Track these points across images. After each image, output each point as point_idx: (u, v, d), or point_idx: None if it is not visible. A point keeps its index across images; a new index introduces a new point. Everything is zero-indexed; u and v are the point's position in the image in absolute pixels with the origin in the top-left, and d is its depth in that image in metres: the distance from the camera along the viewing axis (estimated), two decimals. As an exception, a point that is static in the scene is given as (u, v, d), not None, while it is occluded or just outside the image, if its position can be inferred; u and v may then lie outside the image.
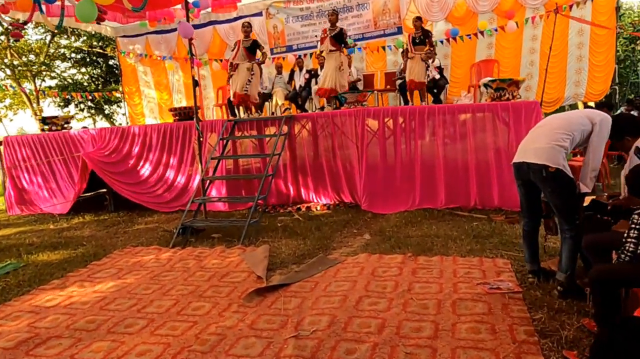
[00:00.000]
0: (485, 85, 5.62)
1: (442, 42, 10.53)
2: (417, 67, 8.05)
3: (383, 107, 5.86)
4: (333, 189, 6.38)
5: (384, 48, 10.95)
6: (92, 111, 17.14)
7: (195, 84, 6.04)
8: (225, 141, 6.33)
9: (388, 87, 10.33)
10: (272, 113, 10.36)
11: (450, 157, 5.74)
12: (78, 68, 16.55)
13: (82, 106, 16.81)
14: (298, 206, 6.36)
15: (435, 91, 9.75)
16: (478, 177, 5.65)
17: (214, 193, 6.74)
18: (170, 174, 6.89)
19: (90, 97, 14.75)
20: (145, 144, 6.97)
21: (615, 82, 9.77)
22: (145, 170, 6.95)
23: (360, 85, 10.65)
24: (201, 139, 6.06)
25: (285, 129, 6.22)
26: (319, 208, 6.21)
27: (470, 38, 10.31)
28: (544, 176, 2.96)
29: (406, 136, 5.84)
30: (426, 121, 5.75)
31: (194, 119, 6.04)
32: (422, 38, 7.57)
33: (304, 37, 11.49)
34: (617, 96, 10.58)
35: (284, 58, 11.60)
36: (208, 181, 6.03)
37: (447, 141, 5.72)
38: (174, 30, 12.24)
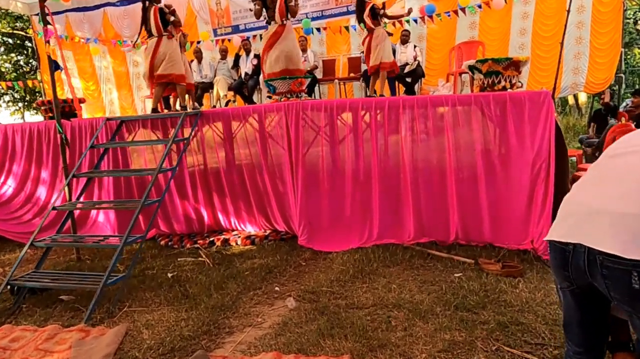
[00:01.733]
0: (472, 68, 3.88)
1: (415, 21, 8.79)
2: (385, 45, 6.32)
3: (328, 100, 4.07)
4: (261, 214, 4.60)
5: (347, 28, 9.15)
6: (19, 104, 14.90)
7: (55, 66, 4.16)
8: (103, 150, 4.46)
9: (352, 75, 8.57)
10: (214, 106, 8.50)
11: (423, 172, 4.00)
12: (-1, 54, 14.31)
13: (6, 97, 14.58)
14: (212, 238, 4.55)
15: (409, 80, 8.04)
16: (461, 201, 3.94)
17: (101, 219, 4.89)
18: (40, 192, 5.00)
19: (12, 87, 12.56)
20: (6, 150, 5.06)
21: (622, 70, 8.20)
22: (7, 187, 5.04)
23: (319, 73, 8.87)
24: (66, 145, 4.19)
25: (183, 131, 4.40)
26: (239, 242, 4.41)
27: (449, 16, 8.59)
28: (635, 289, 1.24)
29: (362, 140, 4.07)
30: (391, 119, 3.99)
31: (55, 117, 4.16)
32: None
33: (252, 15, 9.60)
34: (623, 86, 9.01)
35: (229, 40, 9.71)
36: (70, 211, 4.14)
37: (419, 148, 3.97)
38: (100, 6, 10.26)
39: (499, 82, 3.68)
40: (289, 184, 4.29)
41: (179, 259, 4.17)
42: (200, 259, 4.12)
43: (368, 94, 7.23)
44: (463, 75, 7.87)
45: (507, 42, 8.40)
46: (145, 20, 5.23)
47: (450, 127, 3.82)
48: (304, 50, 8.67)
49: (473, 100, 3.70)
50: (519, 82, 3.74)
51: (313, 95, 8.58)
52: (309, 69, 8.44)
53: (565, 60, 8.19)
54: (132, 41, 10.11)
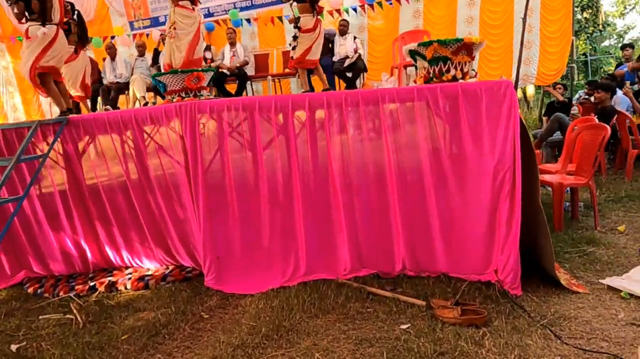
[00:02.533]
0: (414, 54, 3.05)
1: (355, 9, 7.99)
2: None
3: (231, 99, 3.12)
4: (159, 246, 3.60)
5: (280, 19, 8.24)
6: None
7: None
8: None
9: (287, 70, 7.65)
10: (130, 110, 7.34)
11: (359, 188, 3.13)
12: None
13: None
14: (96, 282, 3.51)
15: (350, 75, 7.22)
16: (407, 222, 3.10)
17: None
18: None
19: None
20: None
21: (573, 59, 7.72)
22: None
23: (250, 70, 7.90)
24: None
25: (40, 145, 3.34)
26: (129, 287, 3.39)
27: (391, 4, 7.86)
28: None
29: (278, 150, 3.15)
30: (314, 122, 3.10)
31: None
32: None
33: (173, 5, 8.53)
34: (576, 76, 8.56)
35: (147, 35, 8.58)
36: None
37: (351, 158, 3.10)
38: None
39: (448, 70, 2.86)
40: (189, 208, 3.32)
41: (40, 318, 3.11)
42: (69, 316, 3.08)
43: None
44: (409, 68, 7.13)
45: (454, 31, 7.75)
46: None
47: (388, 130, 2.97)
48: (233, 44, 7.69)
49: (416, 94, 2.86)
50: (472, 70, 2.94)
51: (245, 94, 7.61)
52: (238, 64, 7.48)
53: (515, 50, 7.61)
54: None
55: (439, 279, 3.12)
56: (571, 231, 3.99)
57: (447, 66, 2.86)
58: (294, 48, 5.56)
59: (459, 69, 2.86)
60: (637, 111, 6.36)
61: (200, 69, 3.29)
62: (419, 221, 3.08)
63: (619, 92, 6.56)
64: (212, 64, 7.60)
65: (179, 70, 3.24)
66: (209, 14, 8.41)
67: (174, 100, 3.25)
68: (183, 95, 3.25)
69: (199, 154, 3.11)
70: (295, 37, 5.50)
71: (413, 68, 7.35)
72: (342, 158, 3.06)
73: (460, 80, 2.90)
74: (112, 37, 8.55)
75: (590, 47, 14.54)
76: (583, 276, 3.11)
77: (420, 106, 2.86)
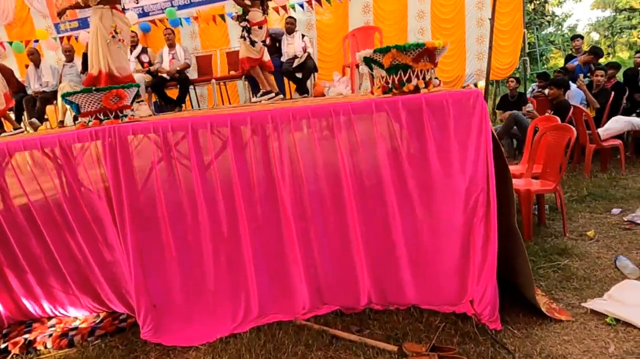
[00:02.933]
0: (369, 61, 2.67)
1: (301, 6, 7.56)
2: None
3: (160, 121, 2.63)
4: (86, 293, 3.06)
5: (222, 17, 7.69)
6: None
7: None
8: None
9: (232, 72, 7.16)
10: (60, 123, 6.63)
11: (314, 215, 2.73)
12: None
13: None
14: (7, 343, 2.94)
15: (300, 75, 6.81)
16: (371, 251, 2.74)
17: None
18: None
19: None
20: None
21: (525, 52, 7.63)
22: None
23: (193, 73, 7.35)
24: None
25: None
26: (49, 345, 2.86)
27: (340, 0, 7.50)
28: None
29: (218, 177, 2.69)
30: (258, 141, 2.67)
31: None
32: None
33: (103, 4, 7.81)
34: (528, 70, 8.50)
35: (76, 38, 7.82)
36: None
37: (304, 182, 2.69)
38: None
39: (409, 80, 2.49)
40: (117, 249, 2.82)
41: None
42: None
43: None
44: (361, 66, 6.79)
45: (405, 26, 7.49)
46: None
47: (345, 150, 2.58)
48: (172, 46, 7.11)
49: (374, 108, 2.49)
50: (436, 78, 2.59)
51: (187, 101, 7.06)
52: (178, 68, 6.91)
53: (468, 45, 7.44)
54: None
55: (410, 313, 2.78)
56: (541, 241, 3.77)
57: (407, 75, 2.49)
58: (253, 44, 5.11)
59: (421, 77, 2.51)
60: (591, 104, 6.31)
61: (119, 85, 2.77)
62: (385, 249, 2.73)
63: (573, 86, 6.49)
64: (151, 68, 7.00)
65: (93, 88, 2.71)
66: (143, 14, 7.76)
67: (90, 124, 2.73)
68: (101, 117, 2.73)
69: (123, 186, 2.61)
70: (249, 31, 5.06)
71: (366, 65, 6.99)
72: (293, 183, 2.65)
73: (424, 91, 2.55)
74: (36, 41, 7.75)
75: (536, 38, 14.77)
76: (562, 297, 2.86)
77: (380, 122, 2.48)
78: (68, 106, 6.65)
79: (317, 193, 2.66)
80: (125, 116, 2.83)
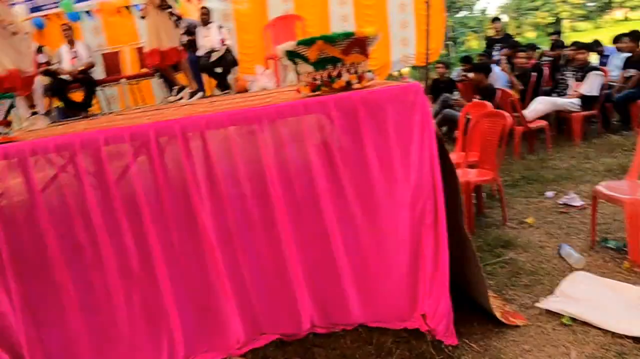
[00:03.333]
0: (293, 56, 2.32)
1: (217, -6, 7.04)
2: (157, 26, 4.58)
3: (40, 141, 2.12)
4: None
5: (128, 8, 6.99)
6: None
7: None
8: None
9: (144, 70, 6.52)
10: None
11: (242, 237, 2.36)
12: None
13: None
14: None
15: (220, 70, 6.31)
16: (310, 268, 2.42)
17: None
18: None
19: None
20: None
21: (448, 37, 7.60)
22: None
23: (98, 73, 6.61)
24: None
25: None
26: None
27: (256, -13, 7.05)
28: None
29: (126, 203, 2.23)
30: (168, 152, 2.24)
31: None
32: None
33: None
34: (453, 54, 8.52)
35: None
36: None
37: (224, 197, 2.29)
38: None
39: (339, 75, 2.17)
40: (3, 301, 2.28)
41: None
42: None
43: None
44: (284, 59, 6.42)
45: (327, 14, 7.18)
46: None
47: (271, 159, 2.22)
48: (72, 43, 6.34)
49: (303, 110, 2.14)
50: (369, 71, 2.30)
51: (92, 105, 6.34)
52: (82, 67, 6.18)
53: (392, 31, 7.29)
54: None
55: (357, 332, 2.50)
56: (484, 233, 3.65)
57: (337, 70, 2.17)
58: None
59: (352, 71, 2.19)
60: (514, 86, 6.36)
61: None
62: (325, 267, 2.41)
63: (496, 69, 6.52)
64: (50, 69, 6.20)
65: None
66: (35, 8, 6.85)
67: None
68: (-38, 138, 2.17)
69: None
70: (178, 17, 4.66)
71: (289, 60, 6.60)
72: (213, 203, 2.25)
73: (356, 86, 2.24)
74: None
75: (453, 22, 15.16)
76: (514, 296, 2.71)
77: (310, 125, 2.15)
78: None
79: (242, 212, 2.29)
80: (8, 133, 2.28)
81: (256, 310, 2.48)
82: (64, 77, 6.15)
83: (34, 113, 4.19)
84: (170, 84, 5.51)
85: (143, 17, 5.04)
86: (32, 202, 2.15)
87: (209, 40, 6.34)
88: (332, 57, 2.18)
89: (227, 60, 6.17)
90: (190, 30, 6.39)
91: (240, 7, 7.02)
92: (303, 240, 2.37)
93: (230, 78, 6.38)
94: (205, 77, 6.34)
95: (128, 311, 2.35)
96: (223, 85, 6.28)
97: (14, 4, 6.64)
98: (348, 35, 2.18)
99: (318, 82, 2.24)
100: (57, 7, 6.76)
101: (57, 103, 6.43)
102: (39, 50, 6.29)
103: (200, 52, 6.25)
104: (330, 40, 2.15)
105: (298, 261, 2.40)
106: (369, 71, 2.29)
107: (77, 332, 2.33)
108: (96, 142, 2.08)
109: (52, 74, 6.14)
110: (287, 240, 2.35)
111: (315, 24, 6.60)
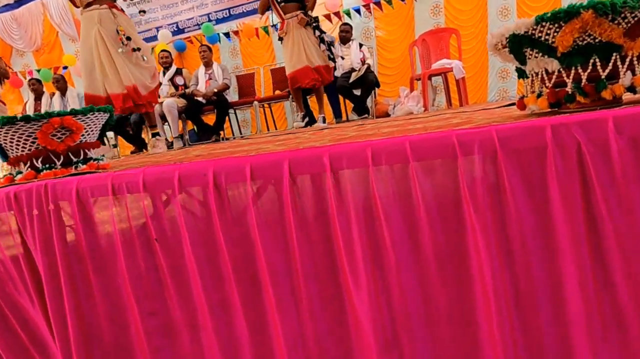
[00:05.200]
0: (520, 43, 1.38)
1: (357, 10, 6.39)
2: (303, 43, 3.96)
3: (134, 171, 1.45)
4: None
5: (266, 30, 6.66)
6: None
7: None
8: None
9: (277, 92, 6.07)
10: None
11: (414, 313, 1.42)
12: None
13: None
14: None
15: (358, 92, 5.61)
16: None
17: None
18: None
19: None
20: None
21: None
22: None
23: (232, 95, 6.32)
24: None
25: None
26: None
27: (404, 1, 6.27)
28: None
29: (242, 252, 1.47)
30: (316, 195, 1.43)
31: None
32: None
33: (142, 21, 7.02)
34: None
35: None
36: None
37: (398, 251, 1.40)
38: None
39: (615, 76, 1.18)
40: None
41: None
42: None
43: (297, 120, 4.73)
44: (434, 78, 5.50)
45: (485, 28, 6.12)
46: None
47: (479, 205, 1.26)
48: (208, 65, 6.14)
49: (550, 135, 1.17)
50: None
51: (226, 128, 6.03)
52: (216, 90, 5.91)
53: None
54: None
55: None
56: None
57: (611, 65, 1.18)
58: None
59: (638, 70, 1.18)
60: None
61: (74, 109, 1.59)
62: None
63: None
64: (186, 91, 6.05)
65: (18, 117, 1.53)
66: (178, 31, 6.85)
67: (17, 177, 1.58)
68: (39, 165, 1.58)
69: (65, 286, 1.43)
70: (321, 31, 4.17)
71: (439, 78, 5.70)
72: (371, 282, 1.36)
73: (627, 97, 1.22)
74: (65, 68, 7.03)
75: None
76: None
77: (555, 162, 1.16)
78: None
79: (422, 294, 1.35)
80: (88, 160, 1.67)
81: None
82: (199, 99, 5.94)
83: (155, 134, 3.78)
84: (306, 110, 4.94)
85: (280, 39, 4.52)
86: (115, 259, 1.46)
87: (348, 59, 5.69)
88: (604, 44, 1.19)
89: (368, 81, 5.43)
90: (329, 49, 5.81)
91: (383, 24, 6.28)
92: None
93: (369, 101, 5.63)
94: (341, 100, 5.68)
95: None
96: (361, 110, 5.54)
97: (159, 28, 6.70)
98: (636, 3, 1.18)
99: (570, 86, 1.25)
100: (198, 29, 6.67)
101: (190, 126, 6.27)
102: (178, 72, 6.20)
103: (337, 73, 5.60)
104: (605, 11, 1.17)
105: None
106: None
107: None
108: (195, 178, 1.33)
109: (189, 97, 5.97)
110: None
111: (476, 36, 5.59)
